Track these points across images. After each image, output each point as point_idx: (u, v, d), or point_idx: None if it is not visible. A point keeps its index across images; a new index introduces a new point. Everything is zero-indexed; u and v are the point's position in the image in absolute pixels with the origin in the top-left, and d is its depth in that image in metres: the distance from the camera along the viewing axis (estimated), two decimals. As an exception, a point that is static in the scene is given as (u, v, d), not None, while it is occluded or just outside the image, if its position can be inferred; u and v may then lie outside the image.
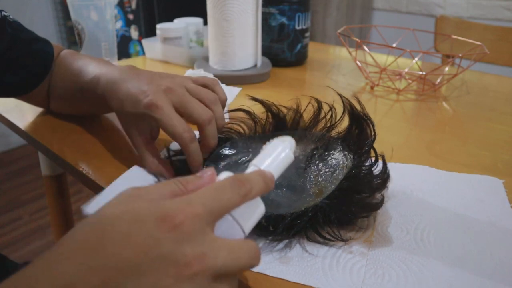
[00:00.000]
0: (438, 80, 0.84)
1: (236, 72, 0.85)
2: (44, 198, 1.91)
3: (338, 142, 0.47)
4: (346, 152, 0.45)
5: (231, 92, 0.77)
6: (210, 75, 0.68)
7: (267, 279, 0.35)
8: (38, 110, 0.68)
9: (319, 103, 0.51)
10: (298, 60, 0.96)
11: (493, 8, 1.94)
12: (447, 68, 0.91)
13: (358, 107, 0.47)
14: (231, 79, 0.83)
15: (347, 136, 0.47)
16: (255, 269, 0.36)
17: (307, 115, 0.51)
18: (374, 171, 0.43)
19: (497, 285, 0.35)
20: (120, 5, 2.15)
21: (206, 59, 0.92)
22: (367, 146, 0.45)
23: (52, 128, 0.63)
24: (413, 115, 0.72)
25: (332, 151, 0.46)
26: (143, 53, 1.05)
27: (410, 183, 0.49)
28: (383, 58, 0.97)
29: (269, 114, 0.51)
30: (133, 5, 2.11)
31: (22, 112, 0.69)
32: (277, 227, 0.38)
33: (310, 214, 0.39)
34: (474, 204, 0.45)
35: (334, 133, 0.49)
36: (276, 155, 0.34)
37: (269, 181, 0.32)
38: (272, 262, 0.37)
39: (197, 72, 0.68)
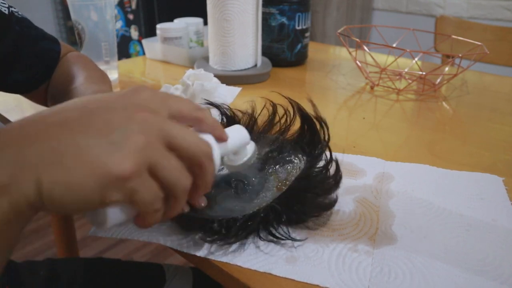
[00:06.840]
0: (438, 80, 0.84)
1: (236, 72, 0.85)
2: (44, 198, 1.90)
3: (291, 144, 0.47)
4: (299, 154, 0.45)
5: (231, 92, 0.77)
6: (211, 75, 0.68)
7: (274, 279, 0.35)
8: (38, 109, 0.68)
9: (274, 106, 0.50)
10: (298, 60, 0.96)
11: (493, 8, 1.94)
12: (447, 68, 0.91)
13: (311, 109, 0.46)
14: (231, 79, 0.83)
15: (299, 138, 0.47)
16: (262, 270, 0.36)
17: (263, 119, 0.50)
18: (329, 171, 0.43)
19: (499, 283, 0.35)
20: (120, 5, 2.15)
21: (206, 59, 0.92)
22: (319, 147, 0.45)
23: (52, 128, 0.63)
24: (413, 115, 0.72)
25: (286, 154, 0.46)
26: (143, 53, 1.05)
27: (411, 181, 0.49)
28: (383, 58, 0.96)
29: (224, 118, 0.50)
30: (133, 5, 2.11)
31: (22, 112, 0.70)
32: (230, 231, 0.38)
33: (262, 214, 0.39)
34: (475, 202, 0.45)
35: (289, 135, 0.49)
36: (235, 129, 0.38)
37: (221, 132, 0.35)
38: (279, 262, 0.37)
39: (197, 72, 0.67)
